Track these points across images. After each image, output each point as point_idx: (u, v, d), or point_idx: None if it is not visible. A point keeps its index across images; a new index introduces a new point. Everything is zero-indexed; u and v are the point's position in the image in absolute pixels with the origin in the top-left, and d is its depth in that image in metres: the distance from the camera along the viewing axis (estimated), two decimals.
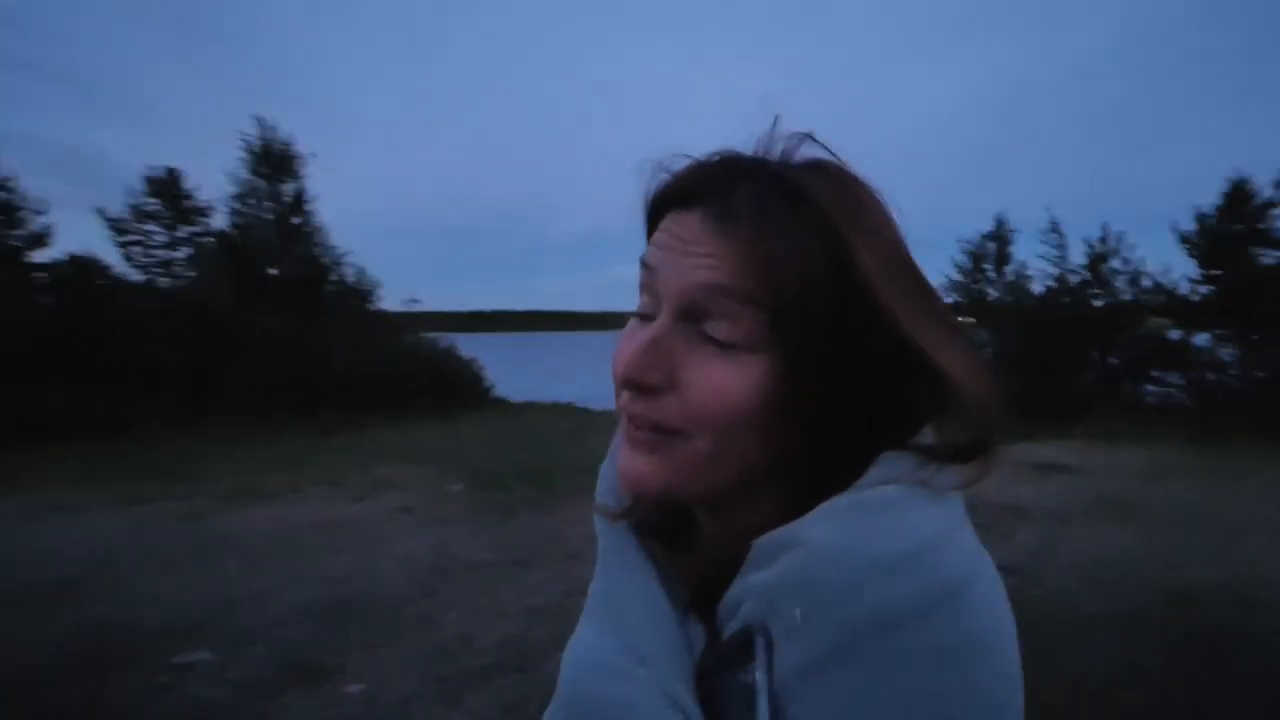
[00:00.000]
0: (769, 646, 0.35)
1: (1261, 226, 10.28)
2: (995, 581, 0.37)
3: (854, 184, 0.41)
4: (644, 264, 0.43)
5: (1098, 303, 11.76)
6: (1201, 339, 10.69)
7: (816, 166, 0.42)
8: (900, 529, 0.35)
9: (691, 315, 0.40)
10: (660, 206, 0.44)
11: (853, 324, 0.38)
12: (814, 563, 0.35)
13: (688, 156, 0.43)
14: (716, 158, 0.43)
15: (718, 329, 0.39)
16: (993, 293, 13.09)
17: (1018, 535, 4.74)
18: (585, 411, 13.09)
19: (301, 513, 5.64)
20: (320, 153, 13.81)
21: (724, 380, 0.39)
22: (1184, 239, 10.91)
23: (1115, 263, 11.66)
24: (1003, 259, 13.12)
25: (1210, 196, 10.71)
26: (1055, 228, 12.12)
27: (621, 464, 0.43)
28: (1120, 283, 11.61)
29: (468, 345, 15.47)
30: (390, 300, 15.09)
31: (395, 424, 10.76)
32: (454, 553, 4.63)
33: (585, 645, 0.43)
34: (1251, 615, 3.38)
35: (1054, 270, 12.19)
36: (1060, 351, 11.28)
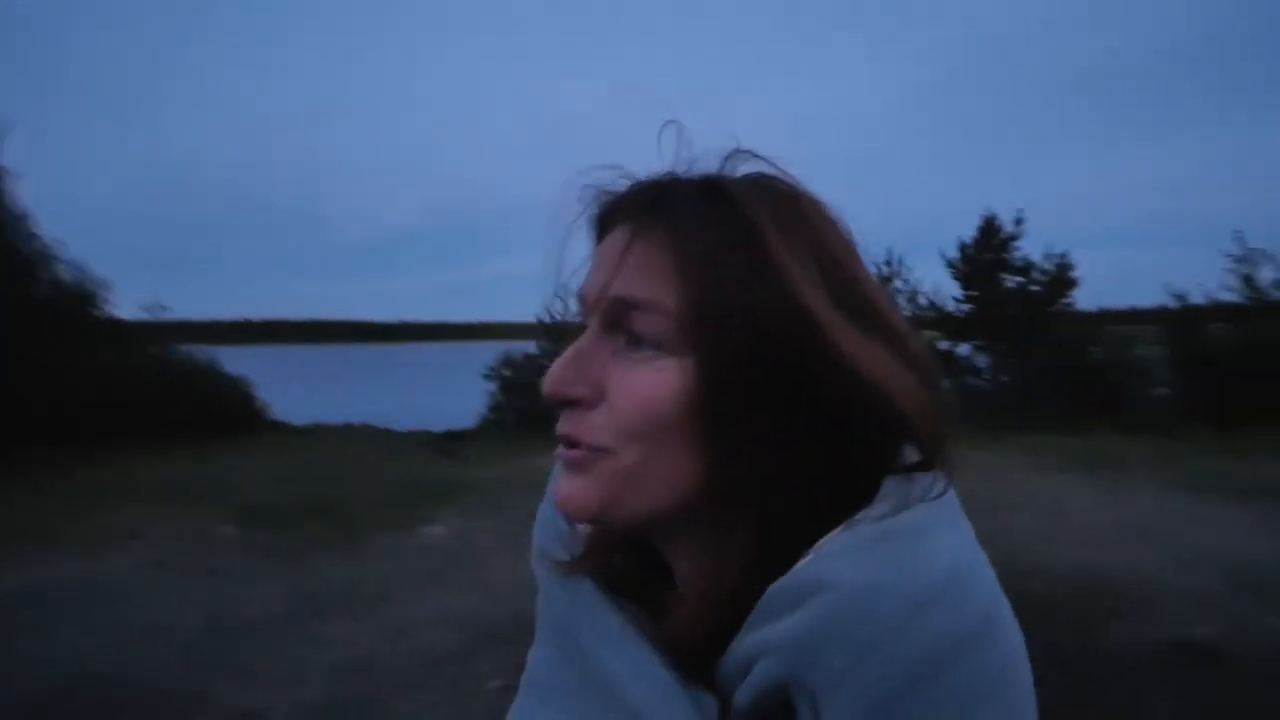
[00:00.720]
0: (814, 707, 0.32)
1: (1005, 256, 12.24)
2: (996, 584, 0.36)
3: (786, 190, 0.41)
4: (577, 294, 0.42)
5: None
6: (964, 349, 12.43)
7: (749, 177, 0.41)
8: (932, 558, 0.33)
9: (616, 324, 0.39)
10: (599, 232, 0.44)
11: (775, 328, 0.36)
12: (849, 606, 0.32)
13: (627, 178, 0.43)
14: (651, 178, 0.42)
15: (638, 334, 0.39)
16: None
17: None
18: (385, 434, 11.64)
19: (10, 580, 4.25)
20: (30, 122, 10.56)
21: (643, 385, 0.38)
22: (949, 264, 12.63)
23: (898, 284, 13.08)
24: None
25: (969, 230, 12.52)
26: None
27: (556, 489, 0.42)
28: (902, 301, 13.03)
29: (234, 360, 13.02)
30: (127, 306, 12.05)
31: (136, 457, 8.53)
32: (227, 610, 3.84)
33: None
34: (1025, 583, 3.71)
35: None
36: None
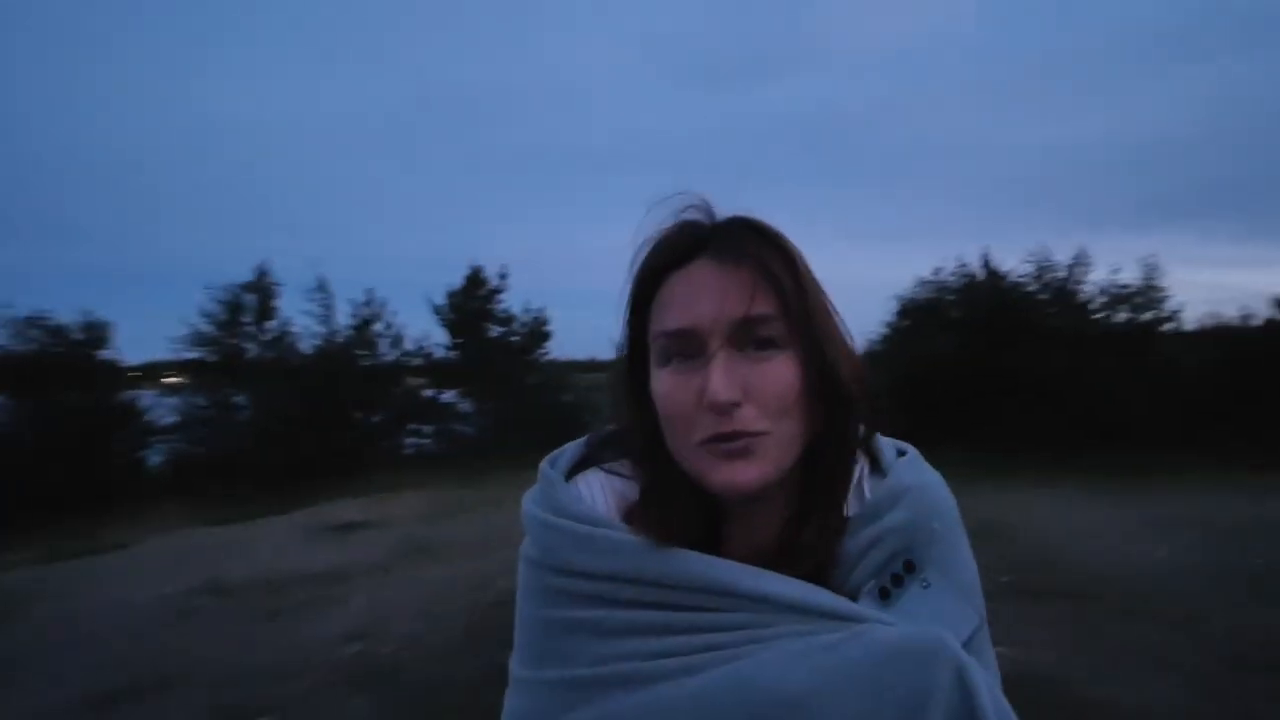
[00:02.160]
0: (911, 563, 0.53)
1: (490, 307, 12.41)
2: None
3: (775, 227, 0.56)
4: (674, 331, 0.52)
5: (364, 363, 11.69)
6: (450, 395, 11.91)
7: (750, 217, 0.56)
8: (929, 468, 0.59)
9: (739, 338, 0.51)
10: (654, 273, 0.55)
11: (822, 324, 0.53)
12: (929, 495, 0.56)
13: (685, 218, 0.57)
14: (694, 221, 0.56)
15: (764, 340, 0.51)
16: (252, 348, 11.39)
17: (350, 600, 4.48)
18: None
19: None
20: None
21: (777, 376, 0.51)
22: (437, 311, 12.16)
23: (379, 326, 11.87)
24: (265, 313, 11.66)
25: (457, 278, 12.40)
26: (322, 286, 11.60)
27: (722, 478, 0.50)
28: (384, 345, 11.84)
29: None
30: None
31: None
32: None
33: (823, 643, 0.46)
34: None
35: (321, 329, 11.56)
36: (330, 410, 10.63)
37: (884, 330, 11.79)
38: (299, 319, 11.54)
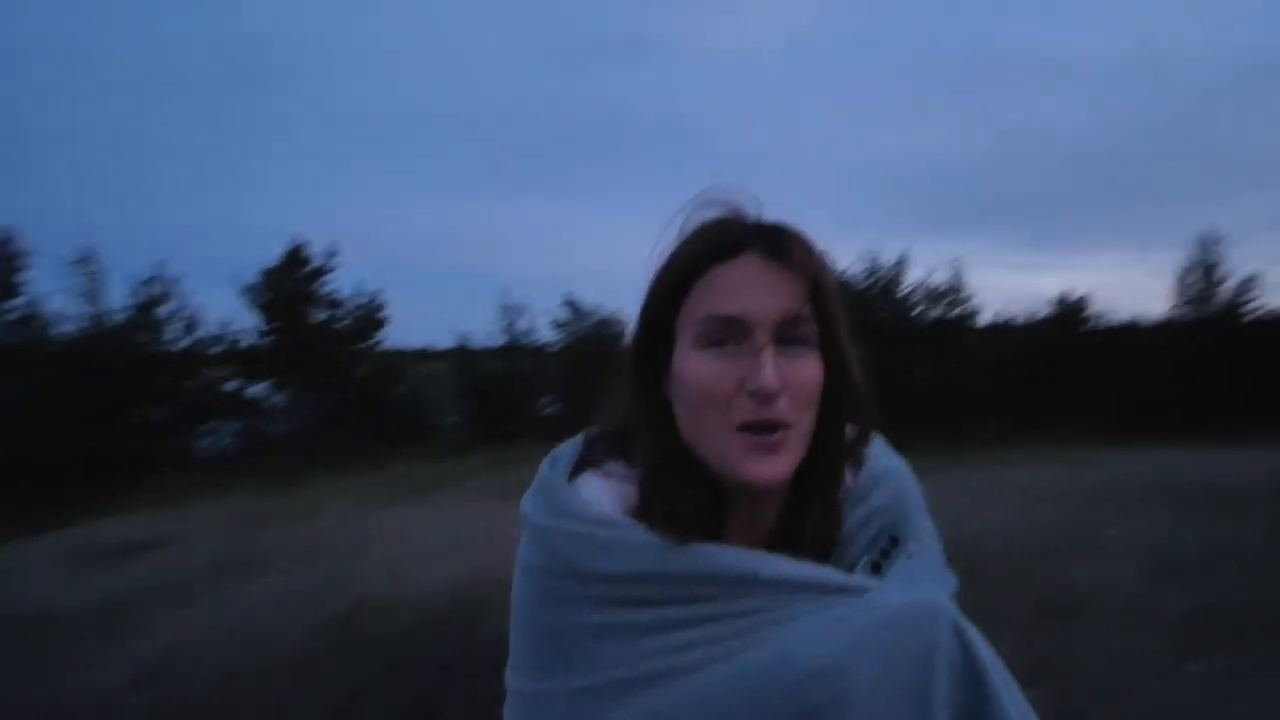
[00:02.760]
0: (896, 537, 0.58)
1: (312, 289, 10.95)
2: None
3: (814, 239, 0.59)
4: (726, 316, 0.53)
5: (147, 350, 9.83)
6: (260, 388, 10.39)
7: (801, 228, 0.59)
8: (894, 452, 0.65)
9: (782, 333, 0.53)
10: (697, 260, 0.56)
11: (839, 334, 0.56)
12: (902, 477, 0.63)
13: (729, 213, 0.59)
14: (736, 218, 0.57)
15: (801, 337, 0.54)
16: None
17: (136, 635, 3.71)
18: None
19: None
20: None
21: (809, 371, 0.54)
22: (247, 292, 10.49)
23: (169, 307, 10.04)
24: (6, 289, 9.43)
25: (273, 255, 10.81)
26: (90, 259, 9.56)
27: (756, 471, 0.52)
28: (176, 329, 10.03)
29: None
30: None
31: None
32: None
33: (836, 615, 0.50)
34: (397, 615, 3.76)
35: (89, 309, 9.53)
36: (98, 406, 8.76)
37: None
38: (57, 297, 9.49)
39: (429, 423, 11.15)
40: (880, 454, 0.62)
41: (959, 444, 8.94)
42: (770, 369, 0.51)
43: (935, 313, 11.31)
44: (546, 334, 12.89)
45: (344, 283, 11.29)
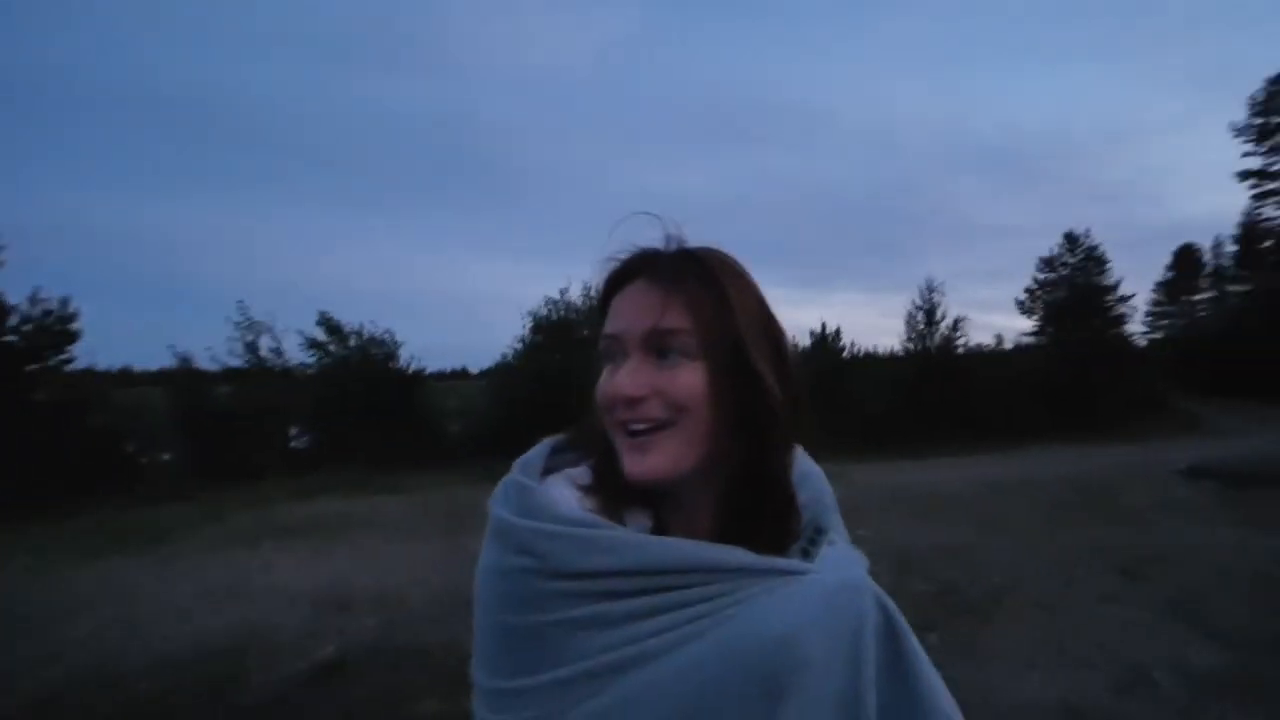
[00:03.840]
0: (820, 528, 0.67)
1: None
2: None
3: (727, 257, 0.64)
4: (606, 335, 0.62)
5: None
6: None
7: (705, 248, 0.64)
8: (809, 457, 0.71)
9: (651, 347, 0.59)
10: (611, 288, 0.64)
11: (733, 344, 0.60)
12: (820, 478, 0.71)
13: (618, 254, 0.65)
14: (645, 249, 0.64)
15: (672, 349, 0.59)
16: None
17: None
18: None
19: None
20: None
21: (684, 378, 0.58)
22: None
23: None
24: None
25: None
26: None
27: (629, 466, 0.59)
28: None
29: None
30: None
31: None
32: None
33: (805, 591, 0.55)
34: (158, 674, 3.32)
35: None
36: None
37: (517, 344, 11.79)
38: None
39: (146, 459, 9.12)
40: (801, 458, 0.68)
41: None
42: (624, 376, 0.59)
43: None
44: (297, 356, 11.45)
45: (12, 286, 8.79)
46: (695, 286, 0.59)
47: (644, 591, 0.53)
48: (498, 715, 0.54)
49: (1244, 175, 26.47)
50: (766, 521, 0.63)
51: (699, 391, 0.58)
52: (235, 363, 10.63)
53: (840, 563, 0.61)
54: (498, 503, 0.59)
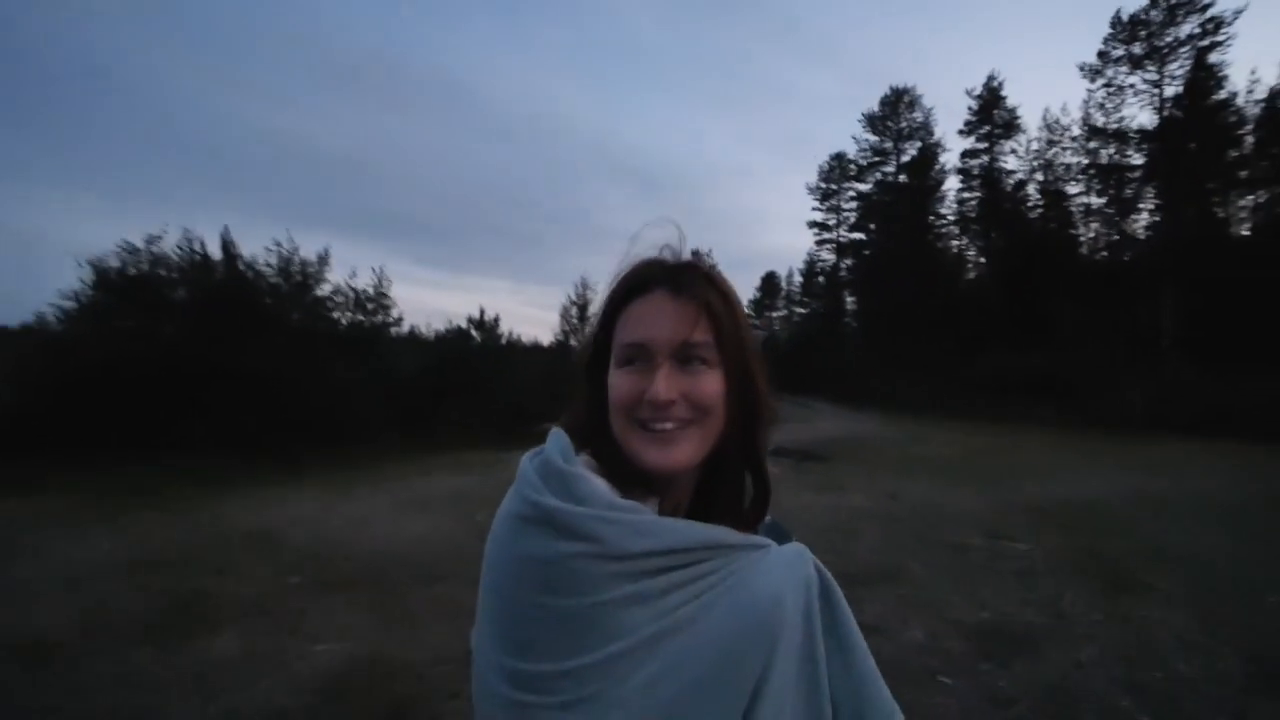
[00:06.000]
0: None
1: None
2: None
3: (720, 272, 0.73)
4: (633, 343, 0.69)
5: None
6: None
7: (704, 262, 0.74)
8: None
9: (680, 355, 0.68)
10: (624, 296, 0.71)
11: (744, 355, 0.70)
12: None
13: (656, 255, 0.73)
14: (659, 259, 0.72)
15: (696, 358, 0.68)
16: None
17: None
18: None
19: None
20: None
21: (708, 384, 0.68)
22: None
23: None
24: None
25: None
26: None
27: (654, 457, 0.67)
28: None
29: None
30: None
31: None
32: None
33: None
34: None
35: None
36: None
37: (66, 303, 8.52)
38: None
39: None
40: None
41: (374, 459, 8.61)
42: (662, 384, 0.66)
43: (356, 318, 10.68)
44: None
45: None
46: (717, 303, 0.69)
47: (672, 568, 0.61)
48: (543, 697, 0.58)
49: (812, 224, 35.55)
50: (757, 502, 0.75)
51: (719, 396, 0.68)
52: None
53: (784, 537, 0.73)
54: (536, 490, 0.63)
